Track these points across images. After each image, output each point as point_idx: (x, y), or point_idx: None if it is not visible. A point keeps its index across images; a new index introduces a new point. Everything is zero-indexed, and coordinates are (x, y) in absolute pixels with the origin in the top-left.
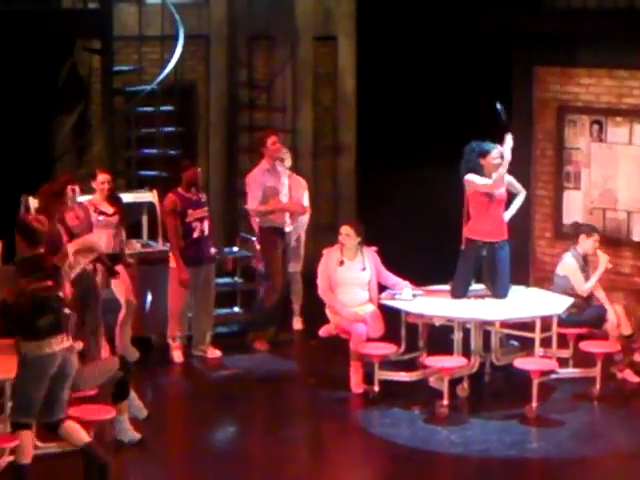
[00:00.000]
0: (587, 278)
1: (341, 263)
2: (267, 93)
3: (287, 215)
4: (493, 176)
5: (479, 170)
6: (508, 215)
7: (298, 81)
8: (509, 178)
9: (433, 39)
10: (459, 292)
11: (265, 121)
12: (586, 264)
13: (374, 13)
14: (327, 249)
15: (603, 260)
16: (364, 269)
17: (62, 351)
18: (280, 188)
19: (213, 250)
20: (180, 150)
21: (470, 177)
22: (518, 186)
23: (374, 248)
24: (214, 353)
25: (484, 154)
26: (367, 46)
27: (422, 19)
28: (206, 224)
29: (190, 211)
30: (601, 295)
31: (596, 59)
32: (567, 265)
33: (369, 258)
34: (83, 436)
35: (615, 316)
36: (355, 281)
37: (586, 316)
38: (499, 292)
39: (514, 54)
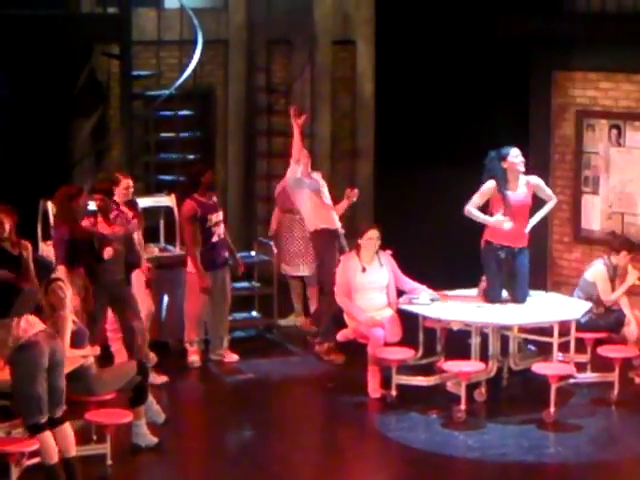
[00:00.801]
0: (613, 288)
1: (363, 269)
2: (285, 98)
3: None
4: (496, 216)
5: (501, 175)
6: (533, 221)
7: (316, 86)
8: (538, 181)
9: (451, 43)
10: (494, 296)
11: (283, 125)
12: (615, 275)
13: (393, 18)
14: (344, 255)
15: (633, 276)
16: (382, 273)
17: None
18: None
19: (226, 254)
20: (198, 155)
21: (471, 210)
22: (548, 192)
23: (389, 252)
24: (231, 357)
25: (504, 157)
26: (386, 51)
27: (440, 24)
28: (222, 227)
29: (209, 216)
30: (624, 301)
31: (615, 63)
32: (597, 272)
33: (386, 262)
34: (73, 448)
35: (636, 324)
36: (374, 285)
37: (605, 321)
38: (518, 297)
39: (532, 58)
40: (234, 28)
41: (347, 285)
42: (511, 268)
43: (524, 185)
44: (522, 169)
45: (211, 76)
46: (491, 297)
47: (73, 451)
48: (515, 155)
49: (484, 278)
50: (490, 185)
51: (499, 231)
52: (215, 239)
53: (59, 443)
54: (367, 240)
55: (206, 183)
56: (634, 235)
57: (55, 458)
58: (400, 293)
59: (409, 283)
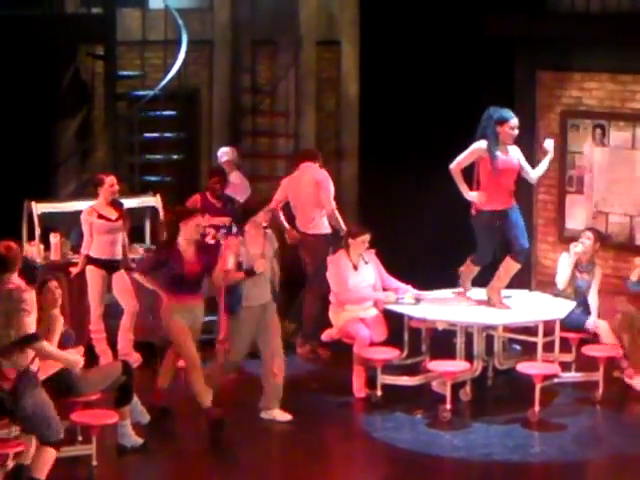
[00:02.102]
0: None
1: (355, 268)
2: (270, 98)
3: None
4: (474, 194)
5: (493, 138)
6: (539, 171)
7: (301, 86)
8: (523, 164)
9: (436, 44)
10: (483, 259)
11: (268, 126)
12: (579, 262)
13: (377, 18)
14: (331, 257)
15: (598, 275)
16: (370, 270)
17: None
18: None
19: None
20: (183, 155)
21: (455, 173)
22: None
23: (373, 250)
24: None
25: (502, 121)
26: (370, 51)
27: (425, 24)
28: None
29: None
30: (593, 304)
31: (599, 63)
32: (561, 258)
33: (370, 260)
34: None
35: (597, 330)
36: (365, 283)
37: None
38: (521, 245)
39: (517, 58)
40: (219, 28)
41: (342, 284)
42: (508, 226)
43: (514, 152)
44: (512, 141)
45: (196, 76)
46: (477, 260)
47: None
48: (512, 126)
49: (469, 260)
50: (481, 145)
51: (490, 198)
52: (211, 241)
53: (36, 460)
54: (360, 242)
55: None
56: (618, 234)
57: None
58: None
59: (393, 282)
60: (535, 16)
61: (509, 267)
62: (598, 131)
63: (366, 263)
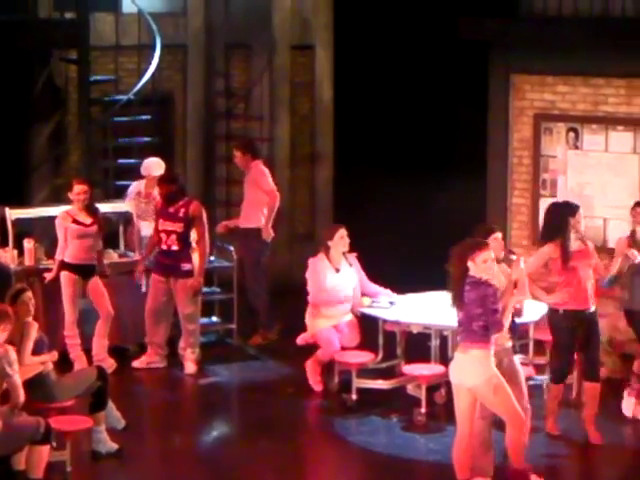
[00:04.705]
0: None
1: (337, 270)
2: (244, 102)
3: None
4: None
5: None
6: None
7: (275, 90)
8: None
9: (410, 48)
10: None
11: (242, 130)
12: None
13: (351, 22)
14: (312, 258)
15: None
16: (352, 273)
17: None
18: None
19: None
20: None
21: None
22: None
23: (355, 254)
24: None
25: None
26: (344, 55)
27: (399, 28)
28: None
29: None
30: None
31: (572, 67)
32: None
33: (353, 262)
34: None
35: None
36: (346, 285)
37: None
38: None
39: (491, 62)
40: (192, 33)
41: (321, 285)
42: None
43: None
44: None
45: (170, 81)
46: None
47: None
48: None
49: None
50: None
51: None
52: (163, 247)
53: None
54: (339, 240)
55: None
56: (592, 238)
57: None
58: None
59: (372, 287)
60: (509, 20)
61: None
62: (571, 134)
63: (350, 265)
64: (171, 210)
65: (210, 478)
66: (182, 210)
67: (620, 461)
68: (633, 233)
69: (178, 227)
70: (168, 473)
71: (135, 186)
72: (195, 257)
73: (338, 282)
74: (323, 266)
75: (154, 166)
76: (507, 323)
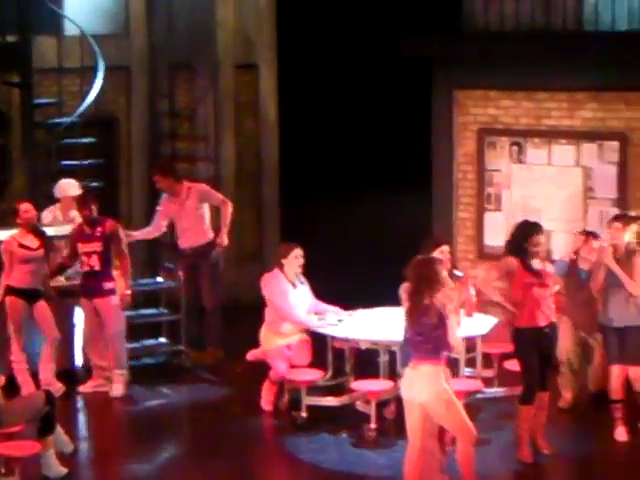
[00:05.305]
0: None
1: (294, 286)
2: (189, 122)
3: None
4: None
5: None
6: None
7: (220, 110)
8: None
9: (354, 65)
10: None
11: (187, 150)
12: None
13: (295, 41)
14: (267, 274)
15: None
16: (306, 290)
17: None
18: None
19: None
20: (102, 182)
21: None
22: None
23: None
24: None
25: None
26: (289, 74)
27: (342, 45)
28: (93, 259)
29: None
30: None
31: (514, 81)
32: None
33: (305, 282)
34: None
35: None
36: (302, 302)
37: None
38: None
39: (434, 78)
40: (135, 54)
41: (286, 302)
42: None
43: None
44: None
45: (113, 103)
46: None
47: None
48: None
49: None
50: None
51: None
52: (85, 268)
53: None
54: (293, 259)
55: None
56: None
57: None
58: None
59: (321, 305)
60: (451, 36)
61: None
62: (515, 148)
63: (302, 283)
64: (88, 231)
65: None
66: (99, 229)
67: (569, 473)
68: (615, 247)
69: (97, 247)
70: None
71: (50, 210)
72: (118, 276)
73: (294, 299)
74: (282, 282)
75: (70, 187)
76: (456, 340)
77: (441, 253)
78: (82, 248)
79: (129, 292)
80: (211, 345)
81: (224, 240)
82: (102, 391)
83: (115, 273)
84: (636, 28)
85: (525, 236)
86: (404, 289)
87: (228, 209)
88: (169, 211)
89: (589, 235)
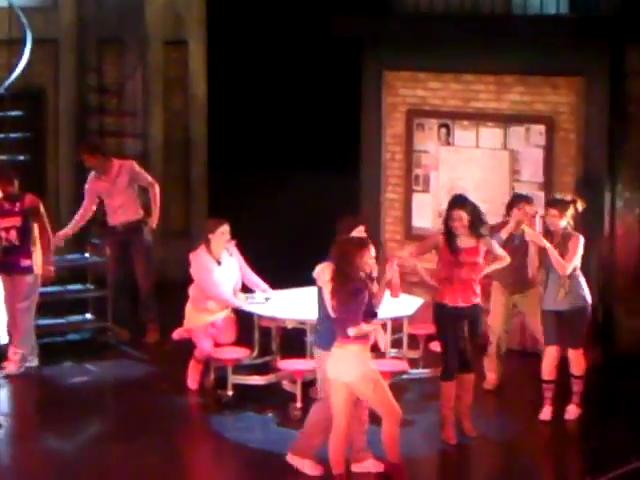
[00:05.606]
0: None
1: (219, 263)
2: (117, 98)
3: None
4: None
5: None
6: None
7: (149, 86)
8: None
9: (284, 44)
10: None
11: (115, 126)
12: None
13: (225, 17)
14: (192, 253)
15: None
16: (234, 263)
17: None
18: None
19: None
20: (29, 155)
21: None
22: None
23: (233, 242)
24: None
25: None
26: (218, 50)
27: (273, 24)
28: (12, 234)
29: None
30: None
31: (443, 63)
32: None
33: (233, 252)
34: None
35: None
36: (230, 276)
37: None
38: None
39: (363, 58)
40: (64, 27)
41: (210, 281)
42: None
43: None
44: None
45: (41, 76)
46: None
47: None
48: None
49: None
50: None
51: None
52: (4, 244)
53: None
54: (220, 235)
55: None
56: None
57: None
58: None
59: (252, 277)
60: (381, 17)
61: None
62: (443, 130)
63: (230, 255)
64: (7, 207)
65: (86, 477)
66: (18, 204)
67: (493, 454)
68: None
69: (16, 221)
70: (42, 474)
71: None
72: (38, 252)
73: (219, 276)
74: (206, 259)
75: None
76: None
77: (358, 233)
78: (1, 223)
79: (52, 268)
80: (151, 323)
81: (154, 222)
82: (28, 367)
83: (35, 248)
84: (564, 12)
85: (447, 211)
86: (322, 269)
87: (156, 191)
88: (98, 189)
89: (522, 200)
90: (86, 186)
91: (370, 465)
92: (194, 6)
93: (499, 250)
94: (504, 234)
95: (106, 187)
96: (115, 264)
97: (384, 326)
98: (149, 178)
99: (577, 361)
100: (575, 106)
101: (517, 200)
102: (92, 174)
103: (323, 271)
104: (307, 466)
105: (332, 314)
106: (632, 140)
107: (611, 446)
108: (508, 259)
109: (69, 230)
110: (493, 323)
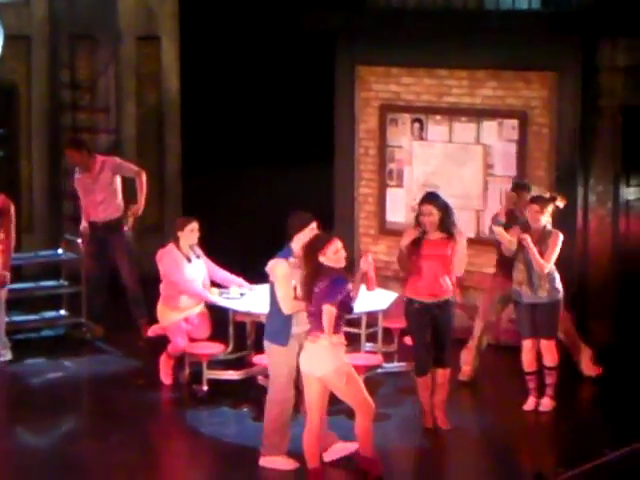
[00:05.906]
0: None
1: (189, 260)
2: (90, 93)
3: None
4: None
5: None
6: None
7: (121, 81)
8: None
9: (257, 38)
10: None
11: (88, 122)
12: None
13: (197, 13)
14: (162, 250)
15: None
16: (200, 263)
17: None
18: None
19: None
20: (1, 152)
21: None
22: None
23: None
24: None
25: None
26: (191, 46)
27: (246, 19)
28: None
29: None
30: None
31: (416, 58)
32: None
33: (200, 255)
34: None
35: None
36: (198, 275)
37: None
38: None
39: (337, 53)
40: (36, 23)
41: (182, 277)
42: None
43: None
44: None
45: (13, 72)
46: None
47: None
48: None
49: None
50: None
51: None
52: None
53: None
54: (189, 232)
55: None
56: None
57: None
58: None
59: (221, 273)
60: (354, 12)
61: None
62: (416, 125)
63: (197, 257)
64: None
65: (59, 474)
66: None
67: (466, 446)
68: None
69: None
70: (14, 469)
71: None
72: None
73: (190, 272)
74: (177, 256)
75: None
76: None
77: (311, 230)
78: None
79: (7, 273)
80: (143, 319)
81: (139, 209)
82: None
83: None
84: (536, 8)
85: (418, 206)
86: (274, 265)
87: (143, 179)
88: (80, 185)
89: (521, 188)
90: (76, 187)
91: (340, 448)
92: (166, 2)
93: (505, 236)
94: (502, 217)
95: (89, 184)
96: (91, 260)
97: (359, 320)
98: (134, 168)
99: (550, 352)
100: (548, 101)
101: (515, 186)
102: (77, 173)
103: (275, 266)
104: (280, 462)
105: (309, 308)
106: (604, 134)
107: (584, 438)
108: (514, 242)
109: (85, 223)
110: (483, 314)
